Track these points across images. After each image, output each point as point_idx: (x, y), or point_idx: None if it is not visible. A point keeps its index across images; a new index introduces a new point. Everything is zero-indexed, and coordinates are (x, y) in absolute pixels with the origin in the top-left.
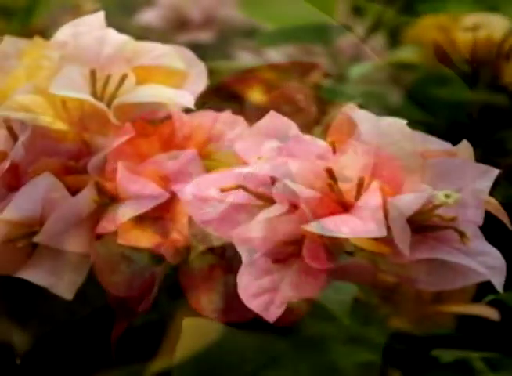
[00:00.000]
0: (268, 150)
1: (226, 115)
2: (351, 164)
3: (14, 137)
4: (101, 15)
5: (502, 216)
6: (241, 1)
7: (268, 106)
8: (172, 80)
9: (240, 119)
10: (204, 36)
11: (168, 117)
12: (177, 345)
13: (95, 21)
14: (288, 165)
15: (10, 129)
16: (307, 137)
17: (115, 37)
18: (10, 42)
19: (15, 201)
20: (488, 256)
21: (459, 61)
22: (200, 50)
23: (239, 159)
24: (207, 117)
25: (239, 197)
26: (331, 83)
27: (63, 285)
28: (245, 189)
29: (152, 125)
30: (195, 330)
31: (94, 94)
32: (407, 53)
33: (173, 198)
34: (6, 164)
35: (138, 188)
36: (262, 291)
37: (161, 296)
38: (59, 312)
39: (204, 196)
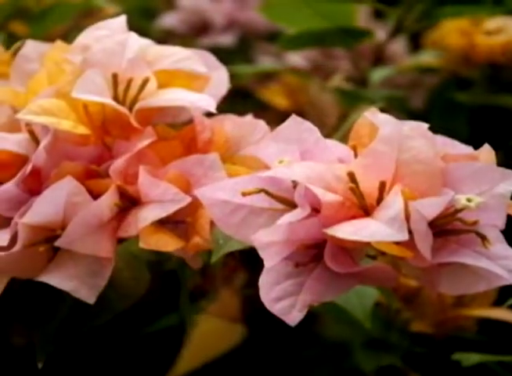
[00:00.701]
0: (289, 153)
1: (248, 119)
2: (372, 168)
3: (36, 141)
4: (123, 19)
5: None
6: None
7: (289, 109)
8: (194, 84)
9: (262, 123)
10: (226, 40)
11: (190, 121)
12: (199, 348)
13: (116, 25)
14: (310, 169)
15: (32, 133)
16: (328, 141)
17: (137, 41)
18: (32, 46)
19: (36, 205)
20: (510, 260)
21: (481, 65)
22: (222, 54)
23: (261, 163)
24: (228, 120)
25: (260, 200)
26: (353, 87)
27: (85, 289)
28: (266, 193)
29: (173, 129)
30: (217, 334)
31: (116, 98)
32: (428, 57)
33: (195, 202)
34: (28, 168)
35: (159, 192)
36: (284, 295)
37: (183, 299)
38: (81, 316)
39: (226, 200)
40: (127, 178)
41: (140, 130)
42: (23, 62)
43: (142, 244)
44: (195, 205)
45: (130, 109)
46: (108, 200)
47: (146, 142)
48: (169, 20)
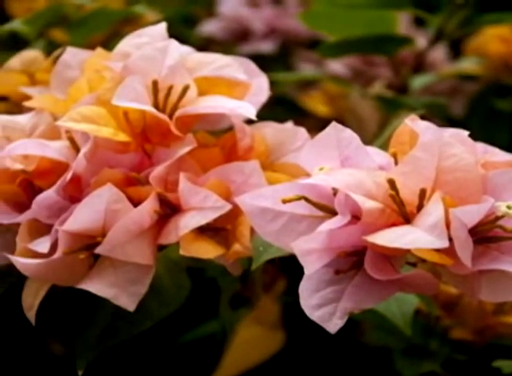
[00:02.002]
0: (329, 161)
1: (288, 126)
2: (413, 175)
3: (76, 148)
4: (163, 26)
5: None
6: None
7: (330, 117)
8: (234, 91)
9: (302, 130)
10: (266, 47)
11: (230, 129)
12: (239, 356)
13: (157, 32)
14: (350, 176)
15: (72, 140)
16: (369, 148)
17: (177, 48)
18: (72, 53)
19: (77, 212)
20: None
21: None
22: (262, 61)
23: (301, 170)
24: (269, 128)
25: (300, 208)
26: (393, 94)
27: (125, 297)
28: (307, 200)
29: (214, 136)
30: (257, 341)
31: (156, 105)
32: (469, 64)
33: (235, 209)
34: (68, 176)
35: (200, 199)
36: (324, 302)
37: (223, 307)
38: (122, 324)
39: (266, 207)
40: (167, 185)
41: (180, 137)
42: (64, 69)
43: (182, 252)
44: (235, 212)
45: (170, 116)
46: (148, 208)
47: (186, 150)
48: (209, 27)
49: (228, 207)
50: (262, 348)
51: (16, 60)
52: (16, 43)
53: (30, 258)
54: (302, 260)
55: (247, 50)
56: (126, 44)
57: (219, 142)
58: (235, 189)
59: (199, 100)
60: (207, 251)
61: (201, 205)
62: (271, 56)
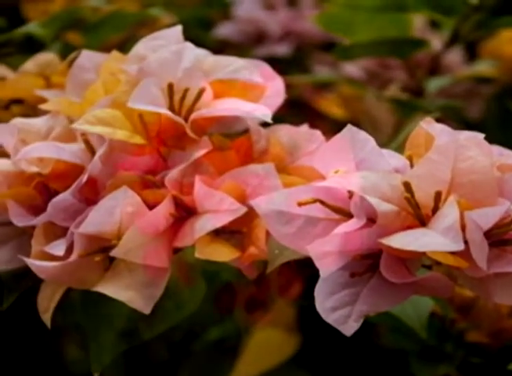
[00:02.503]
0: (345, 163)
1: (304, 129)
2: (428, 178)
3: (91, 151)
4: (179, 28)
5: None
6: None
7: (345, 119)
8: (250, 94)
9: (318, 133)
10: (282, 50)
11: (245, 131)
12: (254, 359)
13: (172, 35)
14: (365, 179)
15: (87, 143)
16: (384, 151)
17: (193, 51)
18: (87, 56)
19: (92, 215)
20: None
21: None
22: (278, 64)
23: (316, 173)
24: (284, 130)
25: (316, 210)
26: (408, 97)
27: (141, 299)
28: (322, 203)
29: (229, 139)
30: (272, 344)
31: (171, 108)
32: (484, 67)
33: (250, 212)
34: (84, 178)
35: (215, 202)
36: (339, 305)
37: (238, 309)
38: (137, 327)
39: (281, 210)
40: (182, 188)
41: (196, 140)
42: (79, 72)
43: (197, 254)
44: (250, 215)
45: (186, 119)
46: (164, 210)
47: (201, 152)
48: (225, 30)
49: (243, 210)
50: (277, 352)
51: (32, 63)
52: (32, 46)
53: (45, 260)
54: (318, 263)
55: (263, 53)
56: (142, 47)
57: (234, 144)
58: (250, 192)
59: (214, 103)
60: (223, 253)
61: (217, 208)
62: (286, 59)
